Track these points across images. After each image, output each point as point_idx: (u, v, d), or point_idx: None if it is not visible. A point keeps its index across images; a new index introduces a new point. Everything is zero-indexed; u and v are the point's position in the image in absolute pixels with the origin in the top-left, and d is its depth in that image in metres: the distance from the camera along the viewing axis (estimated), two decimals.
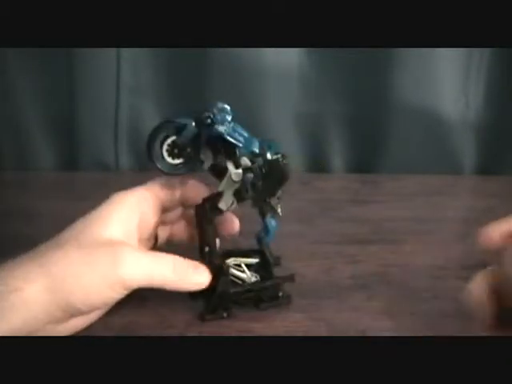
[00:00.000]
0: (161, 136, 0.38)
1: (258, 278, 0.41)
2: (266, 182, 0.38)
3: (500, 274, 0.28)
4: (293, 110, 0.71)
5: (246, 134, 0.38)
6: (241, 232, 0.41)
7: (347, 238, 0.52)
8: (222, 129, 0.37)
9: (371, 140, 0.72)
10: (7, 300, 0.30)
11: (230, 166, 0.38)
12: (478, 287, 0.28)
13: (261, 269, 0.41)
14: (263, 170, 0.38)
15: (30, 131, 0.70)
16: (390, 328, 0.37)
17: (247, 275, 0.40)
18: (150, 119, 0.69)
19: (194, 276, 0.37)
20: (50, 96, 0.69)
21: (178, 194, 0.40)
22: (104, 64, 0.68)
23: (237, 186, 0.38)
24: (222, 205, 0.38)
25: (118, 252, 0.34)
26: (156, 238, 0.41)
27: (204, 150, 0.38)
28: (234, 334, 0.36)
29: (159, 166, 0.39)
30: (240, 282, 0.40)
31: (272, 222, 0.39)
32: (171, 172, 0.39)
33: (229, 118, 0.38)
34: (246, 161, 0.38)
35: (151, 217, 0.39)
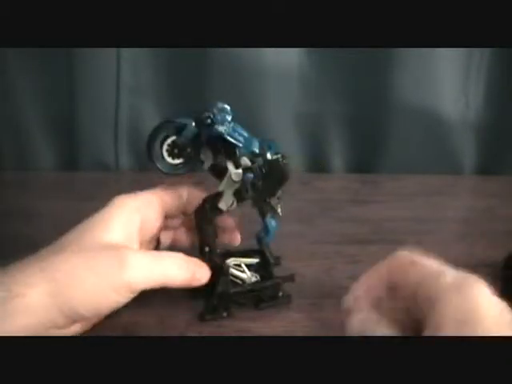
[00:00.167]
0: (161, 136, 0.38)
1: (258, 277, 0.41)
2: (266, 182, 0.38)
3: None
4: (293, 110, 0.71)
5: (245, 134, 0.38)
6: (241, 232, 0.41)
7: (347, 238, 0.52)
8: (221, 129, 0.37)
9: (371, 140, 0.72)
10: (10, 305, 0.30)
11: (230, 166, 0.38)
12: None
13: (261, 269, 0.41)
14: (263, 170, 0.38)
15: (30, 131, 0.70)
16: None
17: (247, 275, 0.40)
18: (150, 119, 0.69)
19: (198, 272, 0.37)
20: (50, 96, 0.69)
21: (182, 200, 0.40)
22: (104, 64, 0.68)
23: (237, 186, 0.38)
24: (222, 205, 0.38)
25: (122, 255, 0.34)
26: (158, 241, 0.41)
27: (204, 150, 0.38)
28: (233, 334, 0.37)
29: (159, 166, 0.39)
30: (240, 281, 0.40)
31: (272, 222, 0.39)
32: (171, 172, 0.39)
33: (229, 117, 0.38)
34: (246, 161, 0.38)
35: (154, 220, 0.39)
